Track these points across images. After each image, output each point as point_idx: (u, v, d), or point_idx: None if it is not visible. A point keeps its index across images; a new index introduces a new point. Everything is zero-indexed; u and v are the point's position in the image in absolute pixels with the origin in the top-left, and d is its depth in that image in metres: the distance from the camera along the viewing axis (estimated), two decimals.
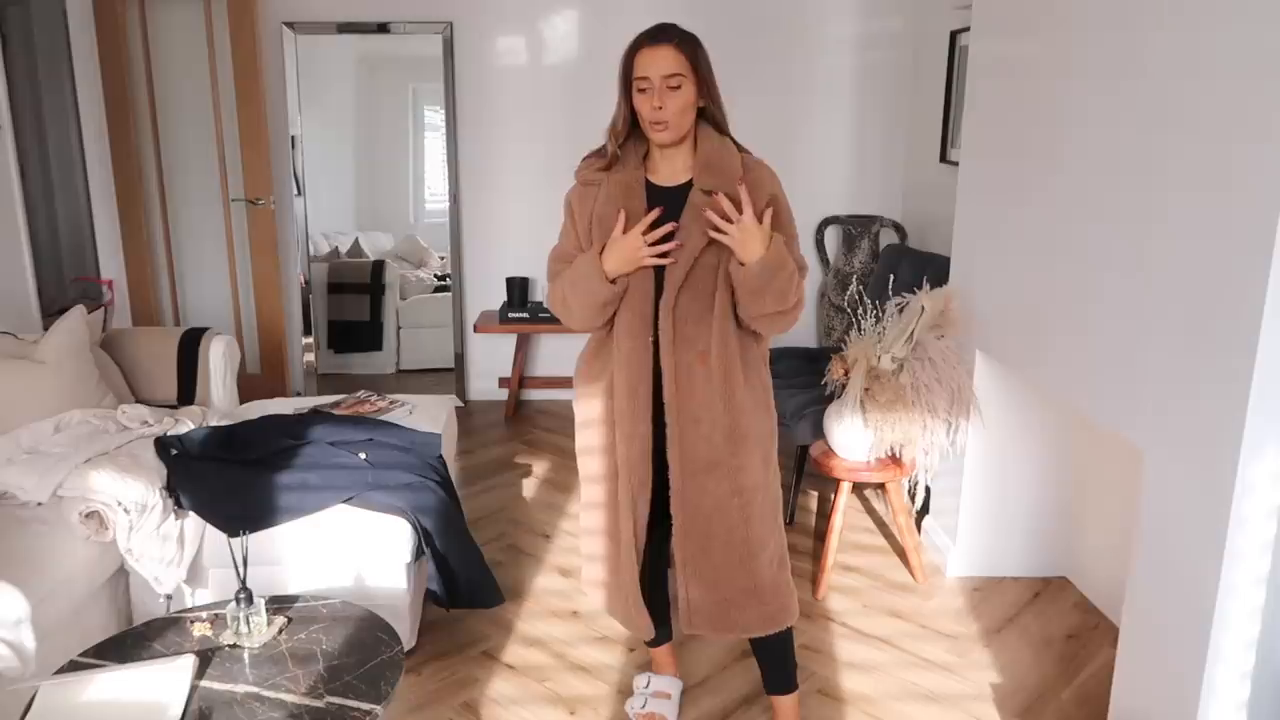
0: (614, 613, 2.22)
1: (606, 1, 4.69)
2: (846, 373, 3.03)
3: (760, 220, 1.89)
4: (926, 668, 2.66)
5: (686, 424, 1.99)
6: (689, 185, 1.99)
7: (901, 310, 3.05)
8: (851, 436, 3.02)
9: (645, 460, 2.02)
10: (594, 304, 1.99)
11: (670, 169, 2.01)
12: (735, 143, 2.01)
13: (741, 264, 1.90)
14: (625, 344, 2.00)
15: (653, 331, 1.99)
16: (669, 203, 1.98)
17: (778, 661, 2.26)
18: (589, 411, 2.12)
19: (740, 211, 1.87)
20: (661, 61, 1.89)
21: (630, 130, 2.00)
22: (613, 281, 1.96)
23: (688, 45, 1.92)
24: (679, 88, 1.90)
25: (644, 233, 1.92)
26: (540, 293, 4.91)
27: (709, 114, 1.98)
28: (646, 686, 2.44)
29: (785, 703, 2.29)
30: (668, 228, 1.93)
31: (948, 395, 2.93)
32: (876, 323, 3.07)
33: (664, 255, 1.94)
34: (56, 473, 2.45)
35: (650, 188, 2.01)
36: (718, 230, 1.89)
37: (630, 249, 1.93)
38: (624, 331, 2.00)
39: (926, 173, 4.58)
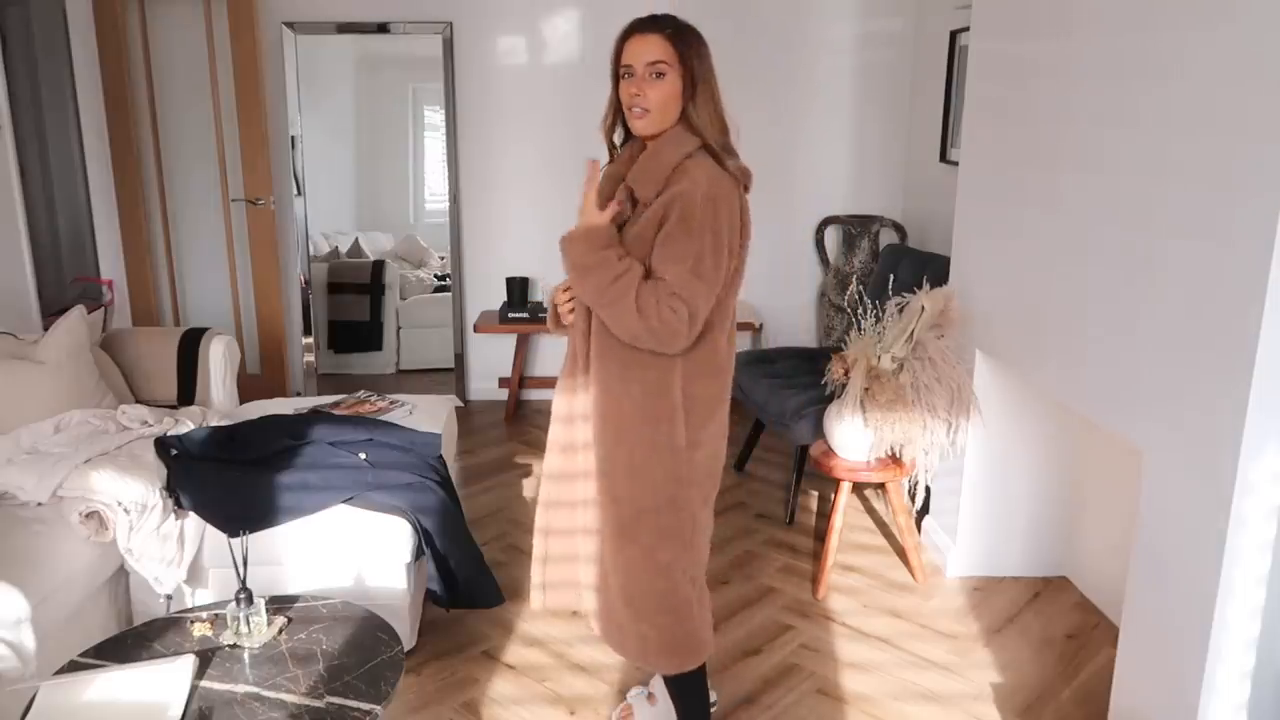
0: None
1: (606, 1, 4.69)
2: (846, 372, 3.03)
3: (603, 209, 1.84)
4: (926, 667, 2.66)
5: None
6: None
7: (901, 310, 3.05)
8: (851, 436, 3.02)
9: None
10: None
11: None
12: (713, 150, 1.83)
13: None
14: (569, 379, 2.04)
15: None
16: None
17: (672, 695, 2.16)
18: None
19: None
20: (647, 48, 1.80)
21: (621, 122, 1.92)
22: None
23: (681, 37, 1.81)
24: (663, 76, 1.80)
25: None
26: (540, 293, 4.91)
27: (689, 117, 1.83)
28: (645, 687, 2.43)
29: None
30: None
31: (948, 395, 2.93)
32: (876, 323, 3.07)
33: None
34: (56, 473, 2.45)
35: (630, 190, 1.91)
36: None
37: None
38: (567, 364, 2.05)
39: (926, 173, 4.58)
